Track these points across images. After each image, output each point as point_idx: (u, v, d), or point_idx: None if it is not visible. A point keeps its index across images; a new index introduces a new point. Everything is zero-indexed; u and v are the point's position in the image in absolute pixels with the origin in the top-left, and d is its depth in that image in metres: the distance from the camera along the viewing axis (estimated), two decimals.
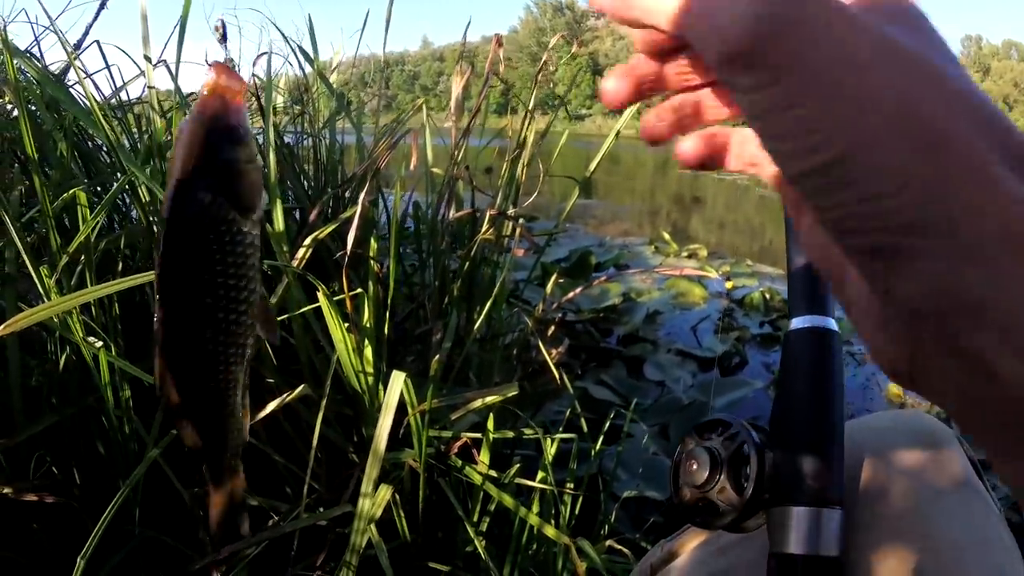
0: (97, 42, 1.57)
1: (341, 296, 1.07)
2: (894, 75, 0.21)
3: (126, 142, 1.44)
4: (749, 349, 3.00)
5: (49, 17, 1.40)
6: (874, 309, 0.25)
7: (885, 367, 0.25)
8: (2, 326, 0.72)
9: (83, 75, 1.42)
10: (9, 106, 1.62)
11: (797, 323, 0.57)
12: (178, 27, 1.23)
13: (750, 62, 0.21)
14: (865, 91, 0.20)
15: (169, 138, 1.27)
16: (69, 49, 1.42)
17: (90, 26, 1.86)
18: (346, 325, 1.06)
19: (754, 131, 0.23)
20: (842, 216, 0.21)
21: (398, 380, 0.97)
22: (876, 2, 0.24)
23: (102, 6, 1.97)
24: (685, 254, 5.05)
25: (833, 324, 0.57)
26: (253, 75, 1.55)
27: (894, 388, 2.84)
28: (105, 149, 1.43)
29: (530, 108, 1.53)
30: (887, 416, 0.68)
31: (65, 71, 1.50)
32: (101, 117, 1.11)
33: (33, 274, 0.95)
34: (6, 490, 1.00)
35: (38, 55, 1.52)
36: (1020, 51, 65.66)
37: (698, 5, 0.22)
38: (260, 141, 1.55)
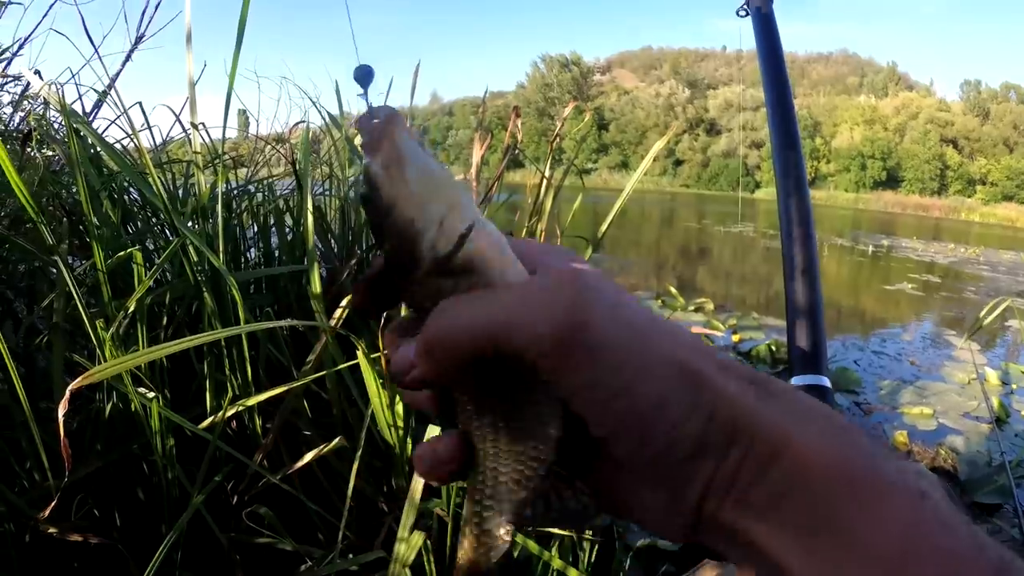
0: (139, 103, 1.66)
1: (377, 354, 1.14)
2: (664, 340, 0.29)
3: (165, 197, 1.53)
4: None
5: (112, 83, 1.49)
6: (663, 507, 0.31)
7: (671, 537, 0.32)
8: (80, 378, 0.79)
9: (130, 133, 1.50)
10: (55, 158, 1.73)
11: (795, 382, 0.63)
12: (225, 98, 1.34)
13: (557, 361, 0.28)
14: (648, 357, 0.28)
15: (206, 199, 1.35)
16: (119, 112, 1.52)
17: (116, 75, 1.98)
18: (379, 382, 1.14)
19: (581, 408, 0.29)
20: (664, 441, 0.28)
21: (432, 434, 1.04)
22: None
23: (128, 57, 2.09)
24: (692, 308, 5.13)
25: (827, 382, 0.63)
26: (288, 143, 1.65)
27: (900, 437, 2.89)
28: (145, 205, 1.53)
29: (546, 175, 1.62)
30: None
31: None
32: (159, 182, 1.20)
33: (88, 327, 1.03)
34: (52, 530, 1.06)
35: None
36: (1019, 93, 65.57)
37: (512, 319, 0.28)
38: (296, 204, 1.65)
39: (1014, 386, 3.81)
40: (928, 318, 6.14)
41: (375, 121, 0.30)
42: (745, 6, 1.28)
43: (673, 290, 5.53)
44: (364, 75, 0.35)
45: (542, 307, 0.28)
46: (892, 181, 62.67)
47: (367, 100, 0.34)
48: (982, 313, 2.86)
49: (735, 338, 4.21)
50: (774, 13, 1.26)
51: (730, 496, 0.28)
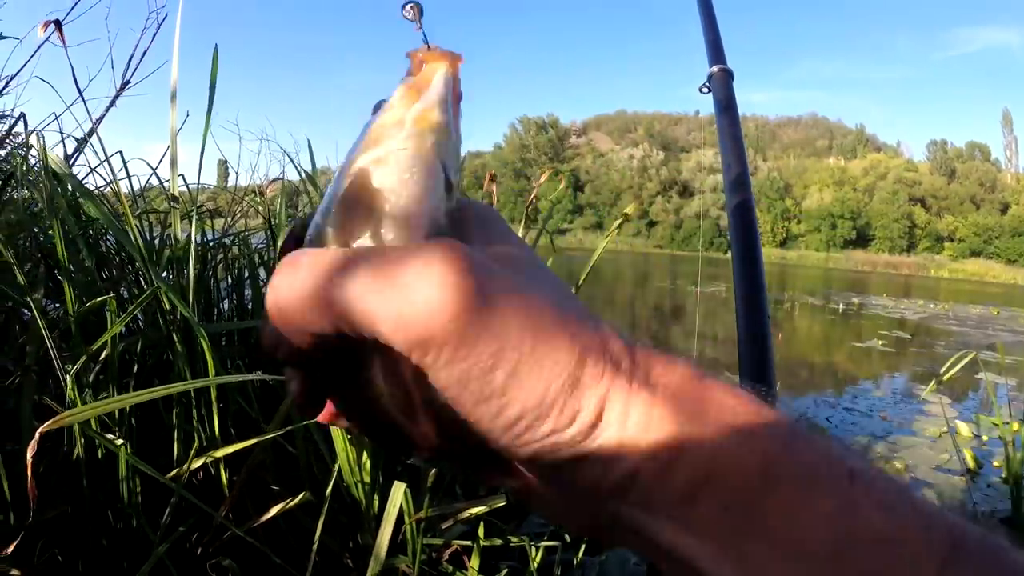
0: (120, 152, 1.68)
1: None
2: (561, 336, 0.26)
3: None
4: None
5: (94, 128, 1.52)
6: (557, 502, 0.31)
7: (575, 532, 0.32)
8: (50, 421, 0.79)
9: (109, 181, 1.53)
10: (33, 199, 1.73)
11: None
12: (199, 153, 1.37)
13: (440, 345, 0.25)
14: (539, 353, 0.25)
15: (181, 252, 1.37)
16: (100, 159, 1.54)
17: (99, 120, 2.01)
18: (348, 437, 1.14)
19: (454, 404, 0.26)
20: (541, 446, 0.26)
21: (399, 491, 1.05)
22: (515, 260, 0.30)
23: (112, 103, 2.13)
24: None
25: None
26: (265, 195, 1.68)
27: (898, 464, 2.91)
28: (120, 252, 1.54)
29: (521, 234, 1.66)
30: None
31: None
32: (136, 231, 1.22)
33: (59, 371, 1.03)
34: (14, 572, 1.03)
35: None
36: (983, 152, 67.76)
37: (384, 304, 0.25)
38: (271, 259, 1.67)
39: (985, 437, 3.85)
40: (899, 373, 6.21)
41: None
42: (707, 84, 1.33)
43: None
44: (415, 8, 0.33)
45: (404, 287, 0.25)
46: (862, 240, 64.13)
47: (423, 34, 0.32)
48: (946, 365, 2.92)
49: None
50: (734, 92, 1.31)
51: (629, 496, 0.26)
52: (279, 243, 1.44)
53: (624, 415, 0.25)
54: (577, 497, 0.28)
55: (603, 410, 0.25)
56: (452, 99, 0.30)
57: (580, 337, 0.26)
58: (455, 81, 0.30)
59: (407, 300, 0.25)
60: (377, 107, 0.30)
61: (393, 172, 0.28)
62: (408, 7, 0.33)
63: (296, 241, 0.31)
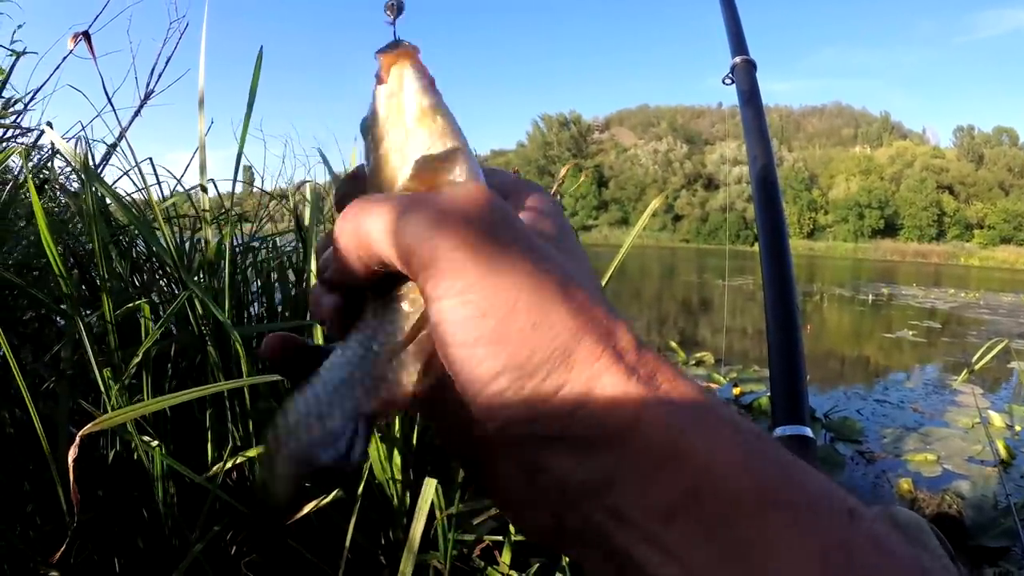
0: (150, 159, 1.72)
1: None
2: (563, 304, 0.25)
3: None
4: None
5: (122, 135, 1.55)
6: (522, 491, 0.28)
7: (534, 535, 0.29)
8: (90, 424, 0.81)
9: (141, 187, 1.56)
10: (61, 208, 1.77)
11: (779, 432, 0.65)
12: (236, 159, 1.40)
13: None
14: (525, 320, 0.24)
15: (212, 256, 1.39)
16: (129, 166, 1.57)
17: (125, 128, 2.04)
18: (379, 435, 1.16)
19: (441, 344, 0.26)
20: (519, 413, 0.25)
21: (430, 486, 1.06)
22: (543, 231, 0.30)
23: (137, 112, 2.17)
24: (693, 362, 5.13)
25: (809, 432, 0.65)
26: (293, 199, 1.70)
27: (905, 484, 2.87)
28: (152, 257, 1.57)
29: None
30: None
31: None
32: (168, 237, 1.24)
33: (97, 375, 1.05)
34: (53, 573, 1.06)
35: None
36: (1011, 136, 66.26)
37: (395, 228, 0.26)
38: (299, 261, 1.69)
39: (1018, 428, 3.78)
40: (930, 364, 6.12)
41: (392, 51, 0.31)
42: (731, 75, 1.32)
43: (674, 344, 5.54)
44: (394, 6, 0.34)
45: (444, 216, 0.25)
46: (890, 229, 63.08)
47: (394, 30, 0.33)
48: (977, 355, 2.87)
49: (736, 391, 4.21)
50: (757, 83, 1.30)
51: (603, 503, 0.24)
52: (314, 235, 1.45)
53: (612, 404, 0.24)
54: (543, 490, 0.26)
55: (590, 392, 0.24)
56: (429, 84, 0.31)
57: (585, 312, 0.25)
58: (423, 69, 0.31)
59: (427, 225, 0.25)
60: (363, 127, 0.32)
61: (440, 166, 0.29)
62: (388, 6, 0.34)
63: (353, 179, 0.33)
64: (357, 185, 0.32)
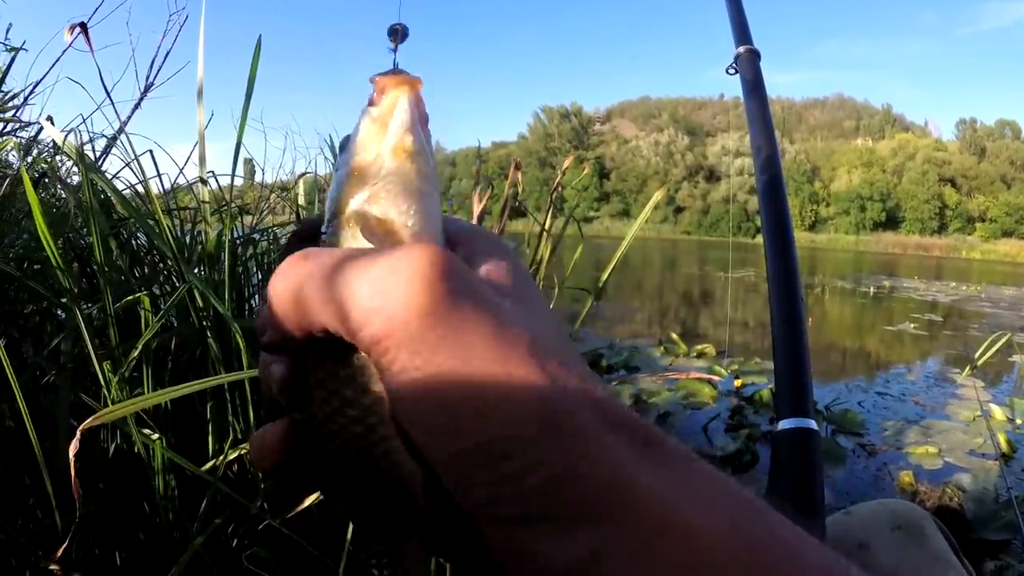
0: (150, 151, 1.71)
1: None
2: (531, 365, 0.23)
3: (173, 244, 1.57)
4: (760, 446, 3.06)
5: (122, 129, 1.54)
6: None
7: None
8: (91, 418, 0.81)
9: (141, 180, 1.55)
10: (59, 201, 1.76)
11: (783, 425, 0.64)
12: (234, 151, 1.39)
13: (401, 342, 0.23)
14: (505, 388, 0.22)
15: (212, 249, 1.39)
16: (129, 159, 1.56)
17: (125, 122, 2.03)
18: None
19: (404, 422, 0.24)
20: (494, 493, 0.22)
21: None
22: (501, 286, 0.27)
23: (137, 105, 2.15)
24: (694, 354, 5.13)
25: (813, 424, 0.64)
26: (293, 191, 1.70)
27: (906, 477, 2.87)
28: (151, 250, 1.56)
29: (545, 226, 1.65)
30: (868, 506, 0.75)
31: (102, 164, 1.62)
32: (168, 229, 1.23)
33: (97, 369, 1.05)
34: (54, 567, 1.06)
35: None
36: (1014, 129, 66.04)
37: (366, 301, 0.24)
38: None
39: (1019, 421, 3.78)
40: (932, 357, 6.11)
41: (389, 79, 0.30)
42: (734, 65, 1.31)
43: (675, 336, 5.53)
44: (397, 32, 0.33)
45: (381, 281, 0.23)
46: (892, 222, 63.00)
47: (395, 58, 0.32)
48: (980, 349, 2.87)
49: (737, 383, 4.20)
50: (762, 73, 1.29)
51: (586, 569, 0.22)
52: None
53: (594, 477, 0.22)
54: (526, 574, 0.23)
55: (571, 466, 0.22)
56: (420, 122, 0.30)
57: (560, 379, 0.23)
58: (420, 103, 0.30)
59: (374, 291, 0.23)
60: (343, 144, 0.31)
61: (390, 206, 0.28)
62: (391, 30, 0.33)
63: (300, 241, 0.31)
64: (303, 246, 0.29)
